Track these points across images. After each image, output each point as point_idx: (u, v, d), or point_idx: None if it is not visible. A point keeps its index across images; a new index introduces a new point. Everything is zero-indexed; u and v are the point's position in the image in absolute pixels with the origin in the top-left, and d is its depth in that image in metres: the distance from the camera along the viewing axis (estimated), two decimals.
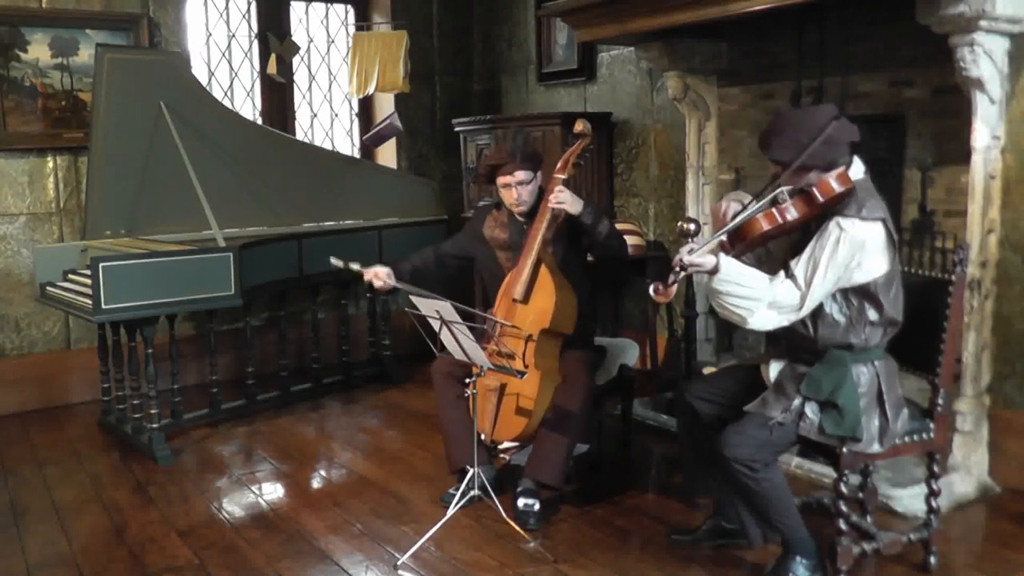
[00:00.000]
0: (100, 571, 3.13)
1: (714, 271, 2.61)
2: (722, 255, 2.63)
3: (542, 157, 3.63)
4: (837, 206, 2.62)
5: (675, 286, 2.63)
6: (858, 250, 2.59)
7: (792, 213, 2.64)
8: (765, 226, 2.63)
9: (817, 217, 2.66)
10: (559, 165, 3.54)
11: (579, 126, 3.55)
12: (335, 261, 3.50)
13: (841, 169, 2.64)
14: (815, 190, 2.61)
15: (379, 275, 3.54)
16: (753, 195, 2.74)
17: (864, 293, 2.65)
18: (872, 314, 2.67)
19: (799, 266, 2.64)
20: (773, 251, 2.87)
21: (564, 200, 3.39)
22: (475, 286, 5.54)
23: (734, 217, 2.70)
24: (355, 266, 3.50)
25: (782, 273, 2.66)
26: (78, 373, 5.18)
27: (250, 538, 3.36)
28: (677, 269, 2.62)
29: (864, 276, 2.63)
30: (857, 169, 2.70)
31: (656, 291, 2.63)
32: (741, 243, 2.69)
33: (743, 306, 2.63)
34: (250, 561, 3.18)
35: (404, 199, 5.62)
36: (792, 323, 2.68)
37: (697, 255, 2.61)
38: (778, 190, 2.68)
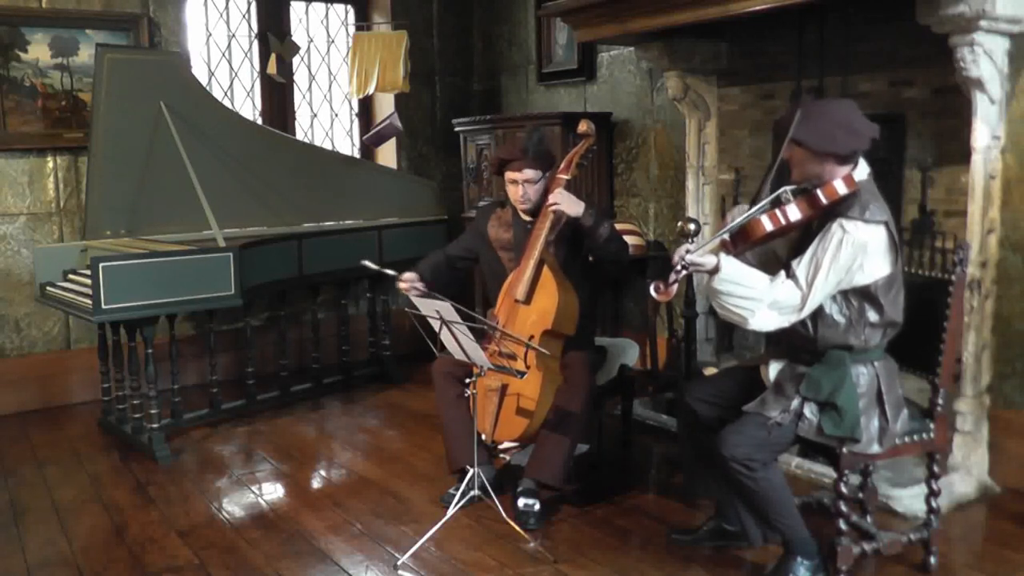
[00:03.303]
0: (100, 571, 3.13)
1: (715, 271, 2.61)
2: (723, 255, 2.63)
3: (555, 158, 3.62)
4: (840, 207, 2.62)
5: (676, 285, 2.62)
6: (860, 252, 2.59)
7: (795, 213, 2.64)
8: (768, 226, 2.63)
9: (819, 217, 2.66)
10: (562, 166, 3.54)
11: (583, 126, 3.56)
12: (368, 264, 3.50)
13: (848, 171, 2.65)
14: (819, 192, 2.61)
15: (412, 281, 3.54)
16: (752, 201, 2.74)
17: (864, 294, 2.65)
18: (872, 315, 2.67)
19: (800, 267, 2.64)
20: (779, 252, 2.87)
21: (560, 202, 3.39)
22: (475, 286, 5.55)
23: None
24: (390, 272, 3.51)
25: (783, 273, 2.66)
26: (78, 373, 5.18)
27: (250, 538, 3.36)
28: (678, 268, 2.61)
29: (865, 278, 2.62)
30: (862, 171, 2.70)
31: (657, 290, 2.62)
32: (743, 243, 2.68)
33: (744, 306, 2.63)
34: (250, 561, 3.18)
35: (404, 199, 5.62)
36: (792, 324, 2.68)
37: (698, 255, 2.61)
38: (781, 189, 2.68)
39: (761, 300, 2.62)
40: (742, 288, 2.62)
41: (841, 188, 2.60)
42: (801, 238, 2.74)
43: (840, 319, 2.68)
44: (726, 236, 2.69)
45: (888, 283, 2.65)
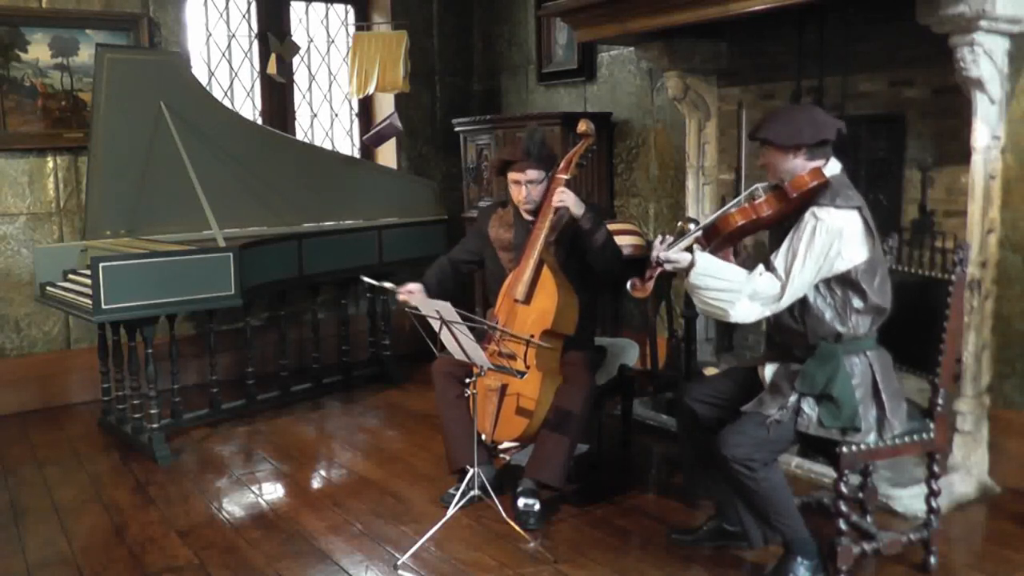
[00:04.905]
0: (100, 571, 3.13)
1: (690, 266, 2.66)
2: (697, 251, 2.69)
3: (557, 158, 3.63)
4: (812, 198, 2.67)
5: (651, 281, 2.72)
6: (836, 238, 2.63)
7: (765, 208, 2.72)
8: (739, 220, 2.71)
9: (794, 212, 2.71)
10: (562, 165, 3.55)
11: (582, 126, 3.56)
12: (367, 280, 3.47)
13: (816, 164, 2.70)
14: (787, 185, 2.69)
15: (414, 292, 3.51)
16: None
17: (846, 281, 2.68)
18: (857, 302, 2.69)
19: (778, 258, 2.69)
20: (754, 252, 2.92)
21: (567, 199, 3.40)
22: (475, 286, 5.55)
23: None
24: (388, 285, 3.48)
25: (761, 266, 2.71)
26: (78, 373, 5.18)
27: (250, 538, 3.37)
28: (654, 264, 2.69)
29: (844, 264, 2.66)
30: (833, 167, 2.76)
31: (634, 287, 2.74)
32: (716, 238, 2.76)
33: (723, 299, 2.67)
34: (250, 561, 3.18)
35: (404, 199, 5.62)
36: (780, 318, 2.73)
37: (673, 252, 2.68)
38: (753, 187, 2.78)
39: (739, 292, 2.66)
40: (719, 281, 2.66)
41: (808, 179, 2.67)
42: (784, 236, 2.76)
43: (825, 308, 2.71)
44: (699, 233, 2.75)
45: (869, 268, 2.67)
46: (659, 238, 2.73)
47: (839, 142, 2.73)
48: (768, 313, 2.71)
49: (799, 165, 2.70)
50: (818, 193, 2.67)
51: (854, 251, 2.65)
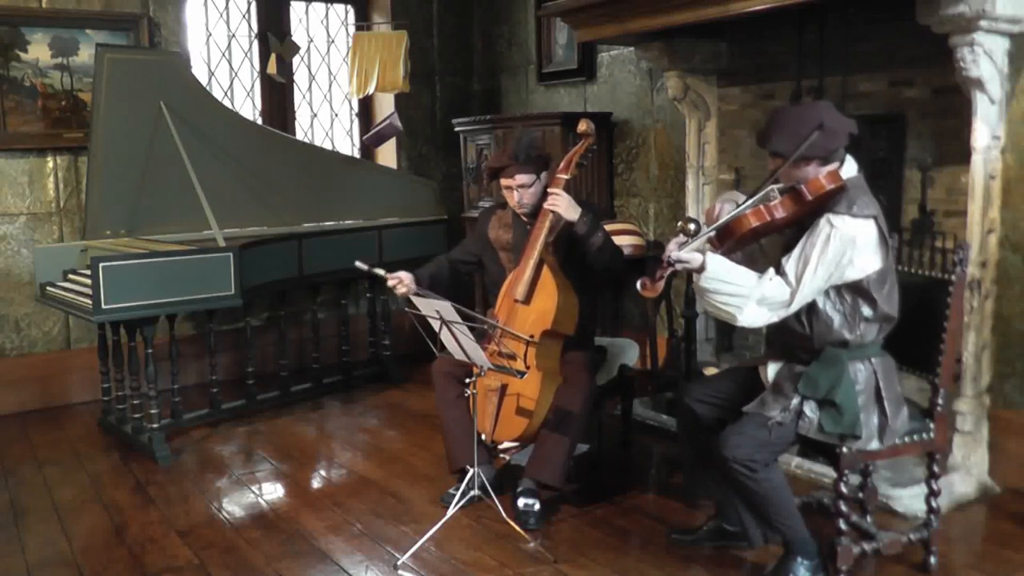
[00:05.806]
0: (100, 571, 3.13)
1: (701, 269, 2.62)
2: (709, 252, 2.65)
3: (549, 157, 3.62)
4: (828, 203, 2.64)
5: (662, 281, 2.66)
6: (849, 246, 2.60)
7: (781, 211, 2.66)
8: (753, 223, 2.65)
9: (809, 215, 2.67)
10: (562, 165, 3.54)
11: (583, 126, 3.55)
12: (360, 264, 3.50)
13: (833, 167, 2.66)
14: (804, 188, 2.64)
15: (403, 280, 3.53)
16: (748, 195, 2.75)
17: (857, 290, 2.66)
18: (866, 310, 2.68)
19: (790, 263, 2.66)
20: (768, 252, 2.87)
21: (558, 204, 3.39)
22: (475, 286, 5.55)
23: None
24: (379, 271, 3.50)
25: (772, 270, 2.68)
26: (78, 373, 5.18)
27: (250, 538, 3.37)
28: (665, 264, 2.64)
29: (857, 273, 2.64)
30: (850, 168, 2.72)
31: (643, 286, 2.67)
32: (729, 240, 2.71)
33: (731, 303, 2.65)
34: (250, 561, 3.18)
35: (404, 199, 5.62)
36: (786, 321, 2.70)
37: (685, 252, 2.64)
38: (768, 187, 2.71)
39: (748, 296, 2.63)
40: (729, 285, 2.63)
41: (825, 183, 2.62)
42: (795, 238, 2.74)
43: (835, 315, 2.69)
44: (712, 234, 2.71)
45: (880, 277, 2.66)
46: (675, 237, 2.67)
47: (853, 143, 2.69)
48: (776, 319, 2.68)
49: (812, 171, 2.65)
50: (835, 197, 2.62)
51: (867, 260, 2.63)
